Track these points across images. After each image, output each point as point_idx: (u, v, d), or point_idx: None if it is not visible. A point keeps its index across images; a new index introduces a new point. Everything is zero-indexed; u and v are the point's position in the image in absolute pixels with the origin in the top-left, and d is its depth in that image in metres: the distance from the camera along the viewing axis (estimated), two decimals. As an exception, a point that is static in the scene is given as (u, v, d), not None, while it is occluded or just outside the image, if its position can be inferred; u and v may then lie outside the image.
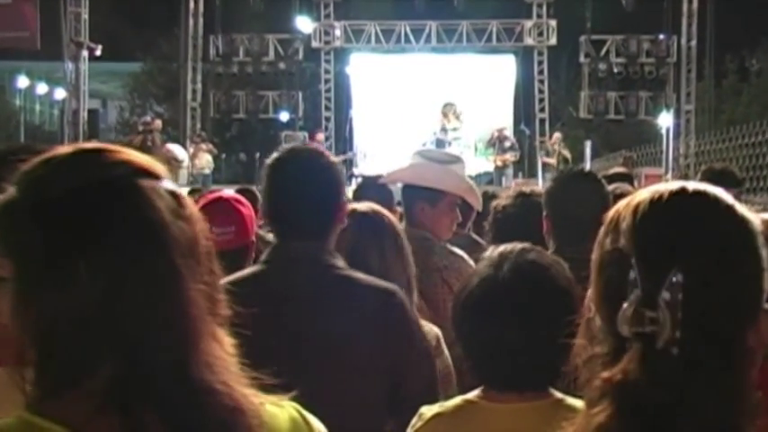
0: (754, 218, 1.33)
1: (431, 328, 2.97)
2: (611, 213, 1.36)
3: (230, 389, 1.19)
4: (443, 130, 19.72)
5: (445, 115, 19.93)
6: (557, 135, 21.61)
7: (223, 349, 1.21)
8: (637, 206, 1.31)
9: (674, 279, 1.22)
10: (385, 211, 3.20)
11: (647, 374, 1.22)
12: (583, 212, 3.20)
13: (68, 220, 1.13)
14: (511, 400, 2.05)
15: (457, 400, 2.11)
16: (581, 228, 3.16)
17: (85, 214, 1.13)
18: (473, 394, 2.09)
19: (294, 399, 1.37)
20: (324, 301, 2.52)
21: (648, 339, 1.23)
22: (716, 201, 1.32)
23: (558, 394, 2.03)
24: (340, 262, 2.62)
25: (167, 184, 1.21)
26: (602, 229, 1.37)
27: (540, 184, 18.41)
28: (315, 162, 2.67)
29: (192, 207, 1.22)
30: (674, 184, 1.34)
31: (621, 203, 1.36)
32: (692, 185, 1.34)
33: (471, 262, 3.71)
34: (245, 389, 1.22)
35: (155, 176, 1.20)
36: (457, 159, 4.28)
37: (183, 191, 1.26)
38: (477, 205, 4.22)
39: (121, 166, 1.19)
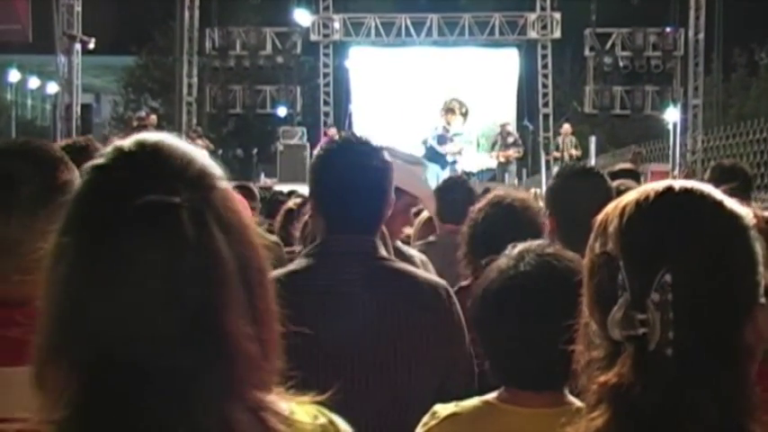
0: (746, 212, 1.33)
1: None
2: (600, 216, 1.38)
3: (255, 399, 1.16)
4: (446, 127, 19.69)
5: (451, 111, 19.83)
6: (566, 126, 21.54)
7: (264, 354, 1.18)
8: (624, 208, 1.33)
9: (663, 280, 1.23)
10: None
11: (642, 377, 1.23)
12: (587, 209, 3.18)
13: (145, 215, 1.11)
14: (530, 402, 2.02)
15: (475, 401, 2.08)
16: (585, 225, 3.16)
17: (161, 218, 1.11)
18: (492, 396, 2.07)
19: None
20: (376, 294, 2.55)
21: (641, 342, 1.24)
22: (702, 198, 1.32)
23: (579, 403, 2.01)
24: (388, 254, 2.69)
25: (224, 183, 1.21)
26: (593, 233, 1.38)
27: (543, 181, 18.46)
28: (368, 154, 2.69)
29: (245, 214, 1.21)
30: (661, 184, 1.35)
31: (610, 206, 1.38)
32: (679, 184, 1.34)
33: (430, 267, 3.71)
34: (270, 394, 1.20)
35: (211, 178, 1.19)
36: (419, 162, 4.30)
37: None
38: (432, 212, 4.22)
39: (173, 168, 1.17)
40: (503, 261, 2.13)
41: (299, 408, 1.26)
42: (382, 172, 2.68)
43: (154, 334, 1.09)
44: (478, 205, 3.63)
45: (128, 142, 1.20)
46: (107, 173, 1.16)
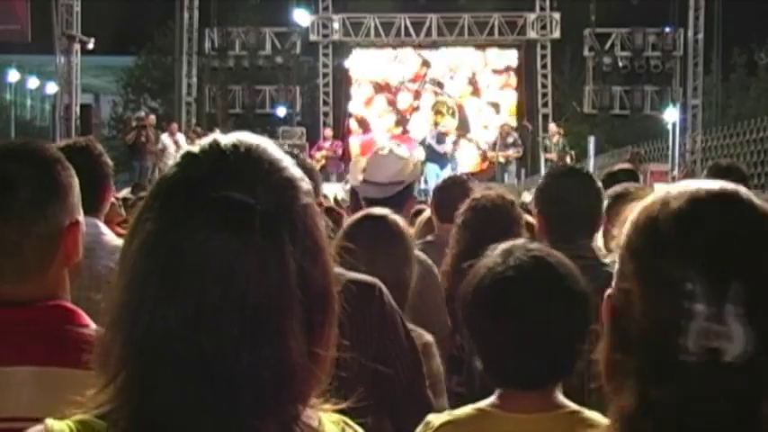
0: None
1: (420, 334, 3.00)
2: (639, 220, 1.30)
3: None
4: (435, 126, 19.76)
5: (439, 113, 19.95)
6: (552, 126, 21.52)
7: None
8: (679, 214, 1.26)
9: (737, 290, 1.20)
10: (397, 217, 3.31)
11: (712, 390, 1.20)
12: (575, 209, 3.22)
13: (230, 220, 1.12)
14: (524, 407, 2.00)
15: (468, 408, 2.05)
16: (574, 225, 3.18)
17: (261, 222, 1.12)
18: (485, 403, 2.04)
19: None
20: None
21: (713, 354, 1.20)
22: (750, 203, 1.27)
23: (574, 405, 2.01)
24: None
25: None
26: (633, 237, 1.30)
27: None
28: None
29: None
30: (703, 186, 1.29)
31: (647, 210, 1.29)
32: (718, 186, 1.29)
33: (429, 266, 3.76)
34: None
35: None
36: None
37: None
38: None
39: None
40: (489, 260, 2.11)
41: (326, 417, 1.26)
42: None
43: (210, 327, 1.10)
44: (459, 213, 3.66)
45: (226, 138, 1.23)
46: (195, 163, 1.19)
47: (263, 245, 1.12)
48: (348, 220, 3.39)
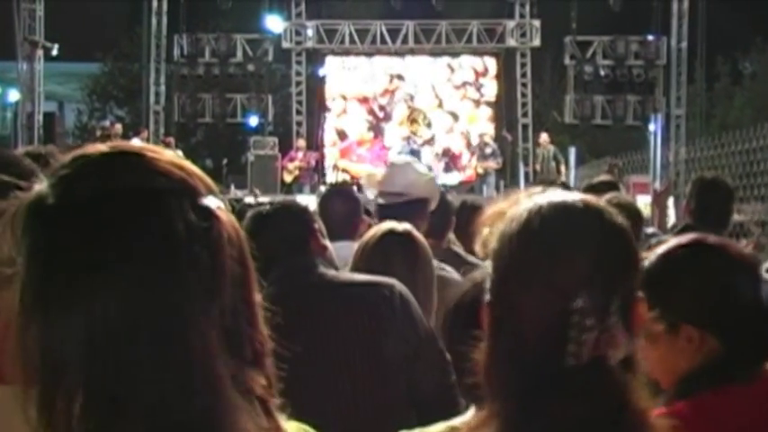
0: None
1: None
2: (517, 232, 1.45)
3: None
4: (411, 137, 19.83)
5: (415, 122, 20.05)
6: (544, 136, 21.64)
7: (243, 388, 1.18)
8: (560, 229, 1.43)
9: (617, 305, 1.41)
10: (416, 233, 3.47)
11: (596, 392, 1.37)
12: None
13: (83, 227, 1.11)
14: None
15: (441, 426, 1.95)
16: None
17: (101, 225, 1.11)
18: (458, 420, 1.95)
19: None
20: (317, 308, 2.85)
21: (599, 360, 1.39)
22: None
23: None
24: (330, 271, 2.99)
25: (207, 200, 1.18)
26: (511, 249, 1.45)
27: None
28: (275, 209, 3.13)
29: (230, 231, 1.18)
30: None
31: (524, 222, 1.45)
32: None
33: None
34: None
35: (187, 191, 1.16)
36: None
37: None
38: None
39: (152, 174, 1.16)
40: (477, 273, 2.12)
41: (290, 426, 1.27)
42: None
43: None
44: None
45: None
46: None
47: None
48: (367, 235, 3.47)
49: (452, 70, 25.01)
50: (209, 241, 1.13)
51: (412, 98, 24.79)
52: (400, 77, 25.04)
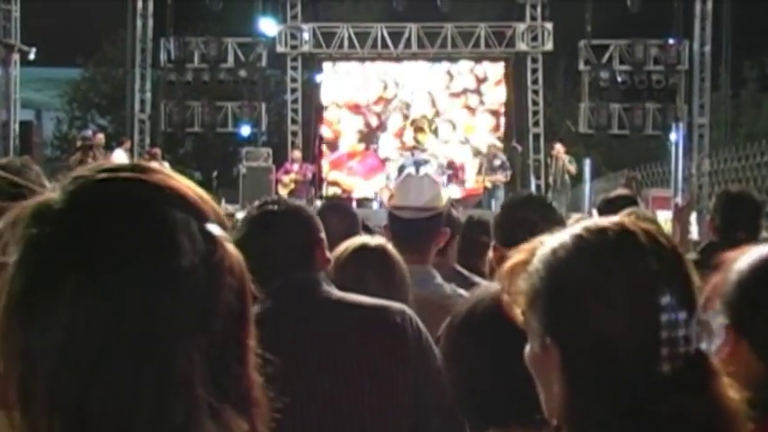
0: None
1: None
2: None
3: None
4: (416, 147, 19.87)
5: (420, 130, 20.07)
6: (558, 146, 21.66)
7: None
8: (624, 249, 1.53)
9: None
10: (391, 248, 3.47)
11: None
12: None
13: (82, 229, 1.15)
14: None
15: None
16: None
17: (102, 229, 1.15)
18: None
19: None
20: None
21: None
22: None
23: None
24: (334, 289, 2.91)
25: (210, 225, 1.21)
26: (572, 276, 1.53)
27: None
28: (279, 211, 3.01)
29: (233, 262, 1.22)
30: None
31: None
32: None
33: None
34: None
35: (196, 212, 1.21)
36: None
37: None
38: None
39: (161, 190, 1.20)
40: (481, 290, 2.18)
41: None
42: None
43: None
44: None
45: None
46: None
47: None
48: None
49: (451, 77, 25.06)
50: (210, 264, 1.17)
51: (408, 107, 24.86)
52: (396, 84, 25.10)
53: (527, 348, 1.54)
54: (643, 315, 1.44)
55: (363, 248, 3.37)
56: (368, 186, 22.83)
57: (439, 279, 3.99)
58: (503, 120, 24.97)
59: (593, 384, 1.46)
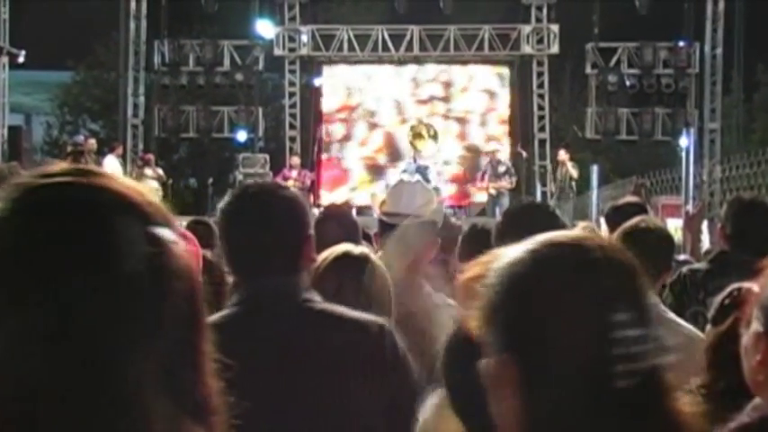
0: None
1: None
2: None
3: None
4: (415, 155, 19.87)
5: (419, 136, 20.07)
6: (562, 153, 21.65)
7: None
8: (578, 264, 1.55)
9: None
10: (374, 257, 3.43)
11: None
12: None
13: (22, 239, 1.14)
14: None
15: None
16: None
17: (43, 238, 1.14)
18: None
19: None
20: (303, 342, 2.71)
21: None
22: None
23: None
24: (316, 296, 2.81)
25: (161, 230, 1.21)
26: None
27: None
28: (275, 197, 2.86)
29: (181, 266, 1.21)
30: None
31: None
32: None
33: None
34: None
35: (140, 215, 1.20)
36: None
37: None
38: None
39: (101, 194, 1.20)
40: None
41: None
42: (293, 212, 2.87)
43: None
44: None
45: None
46: None
47: None
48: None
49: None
50: (156, 269, 1.16)
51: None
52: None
53: (482, 363, 1.55)
54: (597, 331, 1.46)
55: (345, 257, 3.33)
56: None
57: (428, 288, 3.99)
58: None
59: (549, 400, 1.47)
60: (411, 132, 21.11)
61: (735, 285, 2.69)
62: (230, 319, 2.69)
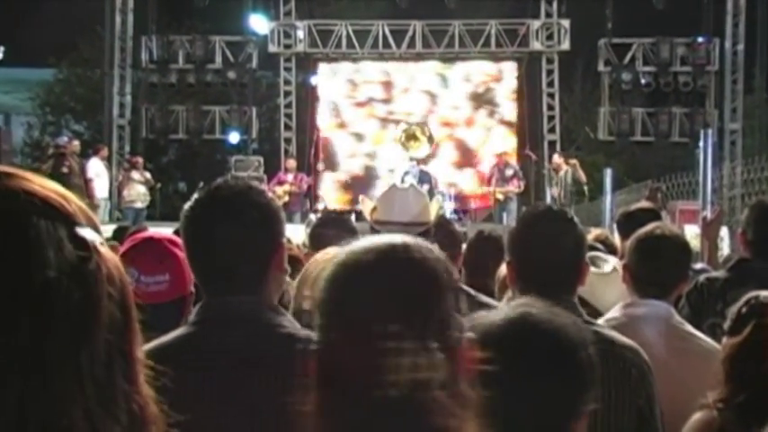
0: None
1: None
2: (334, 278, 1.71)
3: None
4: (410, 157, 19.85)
5: (413, 138, 20.04)
6: (555, 158, 21.60)
7: None
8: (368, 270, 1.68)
9: None
10: None
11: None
12: (552, 259, 3.28)
13: None
14: None
15: None
16: (551, 277, 3.25)
17: None
18: None
19: None
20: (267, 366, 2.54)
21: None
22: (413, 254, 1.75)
23: None
24: (284, 319, 2.67)
25: (86, 232, 1.19)
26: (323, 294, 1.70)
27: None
28: (240, 200, 2.71)
29: (111, 268, 1.20)
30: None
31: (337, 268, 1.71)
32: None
33: None
34: None
35: (63, 217, 1.18)
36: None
37: (107, 230, 1.24)
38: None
39: (17, 197, 1.17)
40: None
41: None
42: (263, 218, 2.72)
43: None
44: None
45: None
46: None
47: None
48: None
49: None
50: (84, 274, 1.16)
51: (431, 111, 25.00)
52: (413, 84, 25.27)
53: None
54: (369, 341, 1.56)
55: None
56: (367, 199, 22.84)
57: None
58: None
59: (331, 404, 1.60)
60: (404, 134, 21.10)
61: (753, 293, 2.71)
62: (179, 340, 2.63)
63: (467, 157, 25.02)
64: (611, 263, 4.35)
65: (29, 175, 1.21)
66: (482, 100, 25.50)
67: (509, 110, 25.49)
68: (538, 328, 2.08)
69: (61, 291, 1.12)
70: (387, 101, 25.37)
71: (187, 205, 2.74)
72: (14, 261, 1.12)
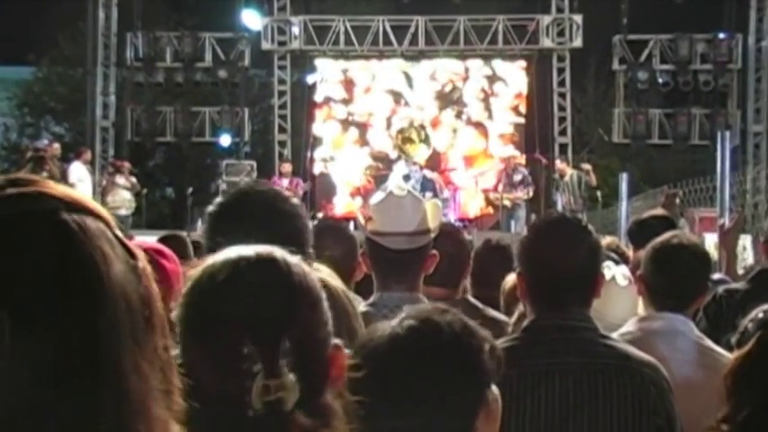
0: None
1: None
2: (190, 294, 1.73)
3: None
4: (406, 161, 19.88)
5: (409, 140, 20.07)
6: (558, 163, 21.60)
7: None
8: (223, 284, 1.70)
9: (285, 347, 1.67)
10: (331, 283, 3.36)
11: None
12: (566, 269, 3.30)
13: None
14: None
15: None
16: (564, 289, 3.27)
17: (13, 263, 1.16)
18: None
19: None
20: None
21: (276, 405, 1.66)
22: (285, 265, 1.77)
23: None
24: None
25: (117, 231, 1.25)
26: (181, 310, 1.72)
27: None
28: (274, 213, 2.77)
29: (147, 263, 1.26)
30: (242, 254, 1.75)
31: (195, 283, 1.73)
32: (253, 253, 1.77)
33: None
34: None
35: (99, 218, 1.23)
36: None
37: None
38: None
39: (52, 200, 1.21)
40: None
41: None
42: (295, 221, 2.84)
43: None
44: None
45: None
46: None
47: None
48: None
49: (478, 77, 25.24)
50: (137, 274, 1.23)
51: (434, 111, 25.01)
52: (416, 83, 25.28)
53: None
54: (229, 362, 1.61)
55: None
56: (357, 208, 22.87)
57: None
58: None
59: (206, 424, 1.59)
60: (400, 136, 21.14)
61: (765, 306, 2.72)
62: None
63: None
64: (618, 271, 4.33)
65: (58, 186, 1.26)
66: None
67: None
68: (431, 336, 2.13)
69: (119, 292, 1.18)
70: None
71: (212, 207, 2.81)
72: (71, 258, 1.17)
